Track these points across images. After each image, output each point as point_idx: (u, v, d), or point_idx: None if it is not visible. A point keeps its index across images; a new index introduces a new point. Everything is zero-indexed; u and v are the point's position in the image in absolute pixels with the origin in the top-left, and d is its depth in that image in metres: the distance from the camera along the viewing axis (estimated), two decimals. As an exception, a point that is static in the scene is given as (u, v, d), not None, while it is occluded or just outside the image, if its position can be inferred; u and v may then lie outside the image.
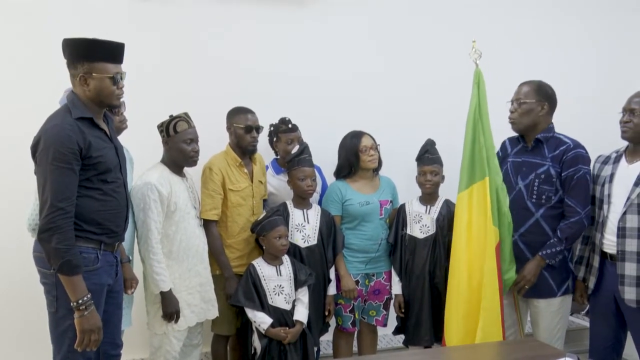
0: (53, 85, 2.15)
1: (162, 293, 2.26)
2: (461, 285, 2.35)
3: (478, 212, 2.32)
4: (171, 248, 2.32)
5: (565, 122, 2.46)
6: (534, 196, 2.28)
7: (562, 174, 2.25)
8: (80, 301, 1.70)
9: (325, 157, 2.82)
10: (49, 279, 1.77)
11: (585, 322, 3.04)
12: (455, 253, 2.40)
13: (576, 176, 2.22)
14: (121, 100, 2.18)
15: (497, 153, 2.47)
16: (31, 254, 1.88)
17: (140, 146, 2.43)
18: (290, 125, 2.75)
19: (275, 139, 2.80)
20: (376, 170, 2.71)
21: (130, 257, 2.25)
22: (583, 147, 2.27)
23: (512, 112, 2.33)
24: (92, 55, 1.76)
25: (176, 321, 2.30)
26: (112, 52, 1.80)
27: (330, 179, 2.83)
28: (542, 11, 3.46)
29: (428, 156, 2.59)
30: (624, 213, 2.14)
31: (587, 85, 3.48)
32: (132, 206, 2.27)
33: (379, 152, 2.68)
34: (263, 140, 2.79)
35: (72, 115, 1.75)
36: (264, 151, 2.84)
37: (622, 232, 2.14)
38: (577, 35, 3.52)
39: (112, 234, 1.85)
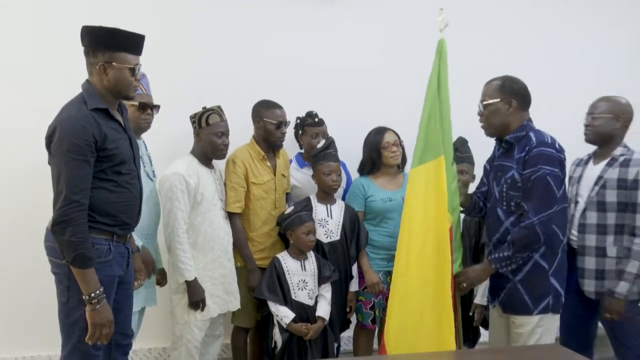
0: (69, 76, 2.08)
1: (187, 282, 2.28)
2: (407, 279, 2.12)
3: (432, 194, 2.09)
4: (196, 239, 2.34)
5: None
6: (504, 203, 2.07)
7: (522, 176, 2.02)
8: (92, 294, 1.68)
9: (351, 153, 2.81)
10: (61, 269, 1.75)
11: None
12: (402, 239, 2.18)
13: (533, 177, 1.98)
14: (156, 104, 2.23)
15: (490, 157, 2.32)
16: (42, 243, 1.84)
17: (164, 138, 2.44)
18: (316, 119, 2.75)
19: (300, 131, 2.81)
20: (400, 166, 2.69)
21: (142, 246, 2.18)
22: (550, 145, 2.00)
23: (479, 115, 2.13)
24: (115, 45, 1.74)
25: (202, 309, 2.32)
26: (134, 42, 1.79)
27: (355, 175, 2.82)
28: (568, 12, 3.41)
29: (457, 154, 2.55)
30: (584, 210, 2.28)
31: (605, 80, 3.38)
32: (160, 195, 2.29)
33: (403, 149, 2.66)
34: (289, 133, 2.78)
35: (88, 106, 1.72)
36: (289, 144, 2.84)
37: (582, 228, 2.28)
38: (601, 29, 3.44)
39: (125, 225, 1.84)
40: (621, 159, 2.26)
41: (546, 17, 3.37)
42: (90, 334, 1.70)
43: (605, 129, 2.29)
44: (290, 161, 2.83)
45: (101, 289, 1.71)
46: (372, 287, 2.58)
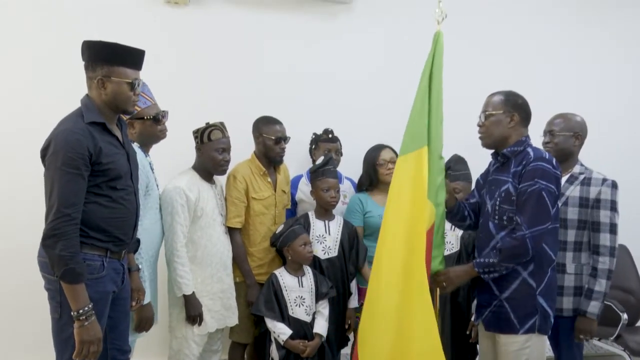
0: (73, 85, 2.08)
1: (185, 296, 2.29)
2: (383, 282, 2.01)
3: (411, 186, 2.01)
4: (195, 253, 2.35)
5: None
6: (496, 217, 2.04)
7: (518, 189, 1.99)
8: (81, 311, 1.65)
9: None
10: (53, 285, 1.72)
11: (614, 349, 2.94)
12: (383, 234, 2.08)
13: (529, 190, 1.95)
14: (163, 110, 2.22)
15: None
16: (35, 259, 1.80)
17: (167, 152, 2.47)
18: (330, 136, 2.81)
19: (314, 147, 2.88)
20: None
21: (142, 264, 2.11)
22: (548, 161, 1.98)
23: (479, 126, 2.11)
24: (113, 59, 1.74)
25: (199, 324, 2.32)
26: (132, 57, 1.79)
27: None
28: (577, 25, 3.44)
29: (450, 173, 2.56)
30: None
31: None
32: (161, 210, 2.28)
33: None
34: (303, 149, 2.85)
35: (85, 120, 1.72)
36: (303, 159, 2.89)
37: None
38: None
39: (119, 242, 1.80)
40: (581, 177, 2.30)
41: (547, 28, 3.42)
42: (77, 351, 1.67)
43: (565, 147, 2.32)
44: (301, 176, 2.87)
45: (90, 306, 1.67)
46: None
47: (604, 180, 2.27)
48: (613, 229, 2.22)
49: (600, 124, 3.41)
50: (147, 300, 2.09)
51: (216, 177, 2.52)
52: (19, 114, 2.72)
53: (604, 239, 2.20)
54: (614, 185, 2.27)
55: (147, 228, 2.11)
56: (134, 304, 2.01)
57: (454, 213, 2.24)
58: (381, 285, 2.05)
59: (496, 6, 3.35)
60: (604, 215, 2.22)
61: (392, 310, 2.00)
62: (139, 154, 2.05)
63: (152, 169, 2.22)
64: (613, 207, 2.24)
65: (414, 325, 1.93)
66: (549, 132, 2.36)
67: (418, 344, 1.92)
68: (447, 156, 2.63)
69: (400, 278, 1.98)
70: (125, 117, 1.99)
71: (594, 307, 2.18)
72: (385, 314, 2.02)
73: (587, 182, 2.28)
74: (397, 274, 1.99)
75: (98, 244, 1.75)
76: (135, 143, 2.12)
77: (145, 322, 2.10)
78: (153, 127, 2.18)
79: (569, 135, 2.33)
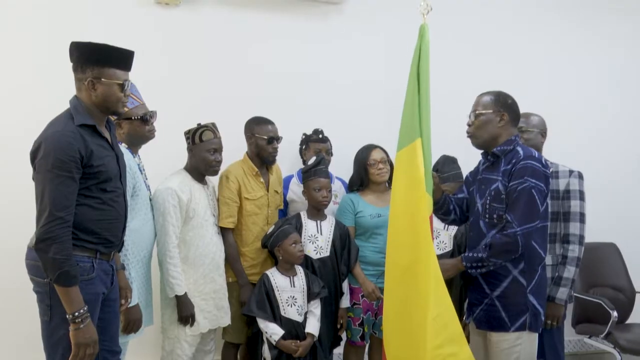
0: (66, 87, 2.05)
1: (177, 297, 2.30)
2: (396, 279, 2.04)
3: (410, 178, 2.03)
4: (187, 254, 2.35)
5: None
6: (487, 215, 2.06)
7: (508, 188, 2.01)
8: (76, 313, 1.64)
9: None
10: (43, 288, 1.71)
11: (604, 346, 2.97)
12: (391, 232, 2.12)
13: (519, 188, 1.96)
14: (151, 110, 2.22)
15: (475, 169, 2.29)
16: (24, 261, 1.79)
17: (159, 153, 2.47)
18: (320, 136, 2.82)
19: (304, 147, 2.89)
20: (389, 183, 2.71)
21: (127, 264, 2.08)
22: (537, 160, 2.00)
23: (469, 125, 2.13)
24: (103, 61, 1.74)
25: (191, 325, 2.32)
26: (123, 58, 1.79)
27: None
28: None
29: (439, 175, 2.57)
30: None
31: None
32: (153, 211, 2.28)
33: (391, 166, 2.68)
34: (294, 149, 2.85)
35: (75, 122, 1.71)
36: (294, 159, 2.90)
37: None
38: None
39: (109, 243, 1.80)
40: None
41: (539, 28, 3.45)
42: (74, 354, 1.66)
43: (534, 143, 2.41)
44: (292, 176, 2.88)
45: (85, 308, 1.67)
46: (369, 295, 2.58)
47: (571, 172, 2.37)
48: (582, 218, 2.32)
49: (595, 124, 3.46)
50: (134, 301, 2.08)
51: (208, 178, 2.52)
52: (17, 115, 2.71)
53: (574, 227, 2.30)
54: (580, 176, 2.37)
55: (136, 229, 2.11)
56: (123, 302, 2.00)
57: (439, 206, 2.25)
58: (397, 279, 2.07)
59: (488, 6, 3.37)
60: (574, 205, 2.33)
61: (410, 301, 2.00)
62: (126, 154, 2.05)
63: (140, 170, 2.22)
64: (581, 197, 2.34)
65: (432, 311, 1.91)
66: (517, 129, 2.40)
67: (439, 327, 1.90)
68: (436, 156, 2.67)
69: (414, 268, 1.98)
70: (113, 118, 1.98)
71: (562, 293, 2.27)
72: (404, 307, 2.03)
73: (554, 176, 2.37)
74: (409, 264, 2.00)
75: (88, 245, 1.74)
76: (123, 144, 2.12)
77: (133, 324, 2.08)
78: (141, 127, 2.18)
79: (537, 132, 2.43)
